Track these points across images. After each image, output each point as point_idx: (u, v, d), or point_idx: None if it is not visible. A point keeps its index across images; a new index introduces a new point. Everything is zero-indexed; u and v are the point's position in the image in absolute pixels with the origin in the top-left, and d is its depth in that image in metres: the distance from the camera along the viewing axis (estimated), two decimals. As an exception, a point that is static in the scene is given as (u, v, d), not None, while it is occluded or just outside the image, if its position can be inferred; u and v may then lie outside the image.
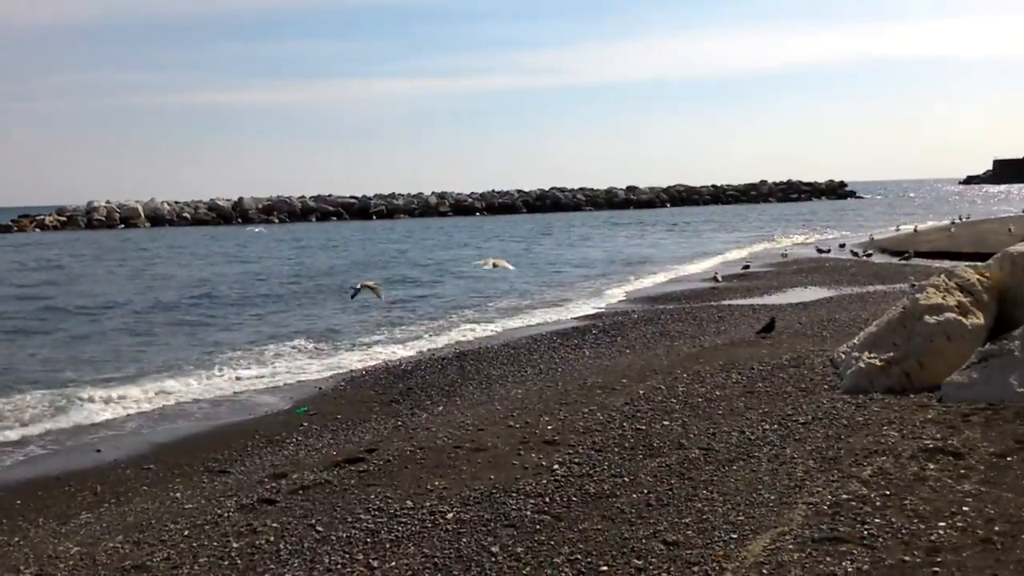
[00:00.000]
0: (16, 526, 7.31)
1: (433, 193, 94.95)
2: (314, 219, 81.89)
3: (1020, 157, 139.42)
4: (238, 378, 13.27)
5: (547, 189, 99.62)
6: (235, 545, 5.52)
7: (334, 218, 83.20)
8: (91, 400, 11.68)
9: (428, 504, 5.94)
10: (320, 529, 5.66)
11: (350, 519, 5.79)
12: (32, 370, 14.36)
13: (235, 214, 79.90)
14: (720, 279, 23.58)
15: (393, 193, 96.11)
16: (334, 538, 5.48)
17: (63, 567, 5.63)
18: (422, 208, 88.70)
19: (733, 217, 70.39)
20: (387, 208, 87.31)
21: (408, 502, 6.02)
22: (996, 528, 4.59)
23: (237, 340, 16.91)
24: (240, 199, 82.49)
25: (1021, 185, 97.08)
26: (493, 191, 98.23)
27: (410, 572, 4.87)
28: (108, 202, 78.66)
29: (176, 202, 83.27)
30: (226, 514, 6.26)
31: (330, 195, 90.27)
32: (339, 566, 5.05)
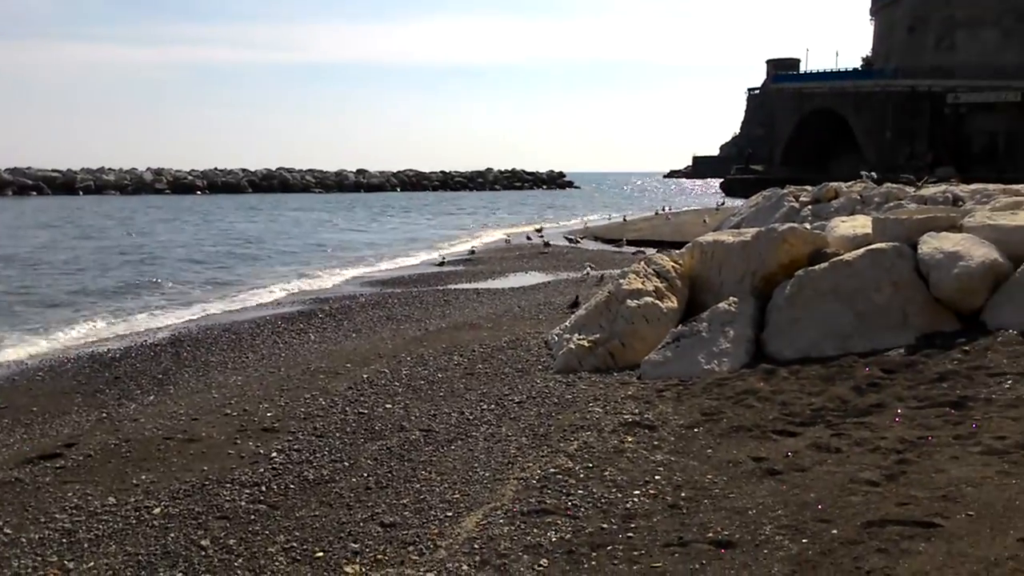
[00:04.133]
0: None
1: (148, 169, 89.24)
2: (10, 193, 74.25)
3: (714, 155, 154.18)
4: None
5: (274, 169, 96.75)
6: (-97, 556, 4.93)
7: (33, 192, 75.86)
8: None
9: (133, 500, 5.62)
10: (8, 531, 5.19)
11: (44, 519, 5.36)
12: None
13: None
14: (446, 263, 24.04)
15: (103, 167, 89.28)
16: (24, 540, 5.04)
17: None
18: (136, 185, 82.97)
19: (461, 203, 71.97)
20: (95, 183, 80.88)
21: (111, 498, 5.66)
22: (683, 494, 5.04)
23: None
24: (-84, 169, 73.04)
25: (714, 179, 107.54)
26: (216, 169, 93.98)
27: (111, 572, 4.58)
28: None
29: None
30: None
31: (29, 168, 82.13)
32: (30, 570, 4.67)
